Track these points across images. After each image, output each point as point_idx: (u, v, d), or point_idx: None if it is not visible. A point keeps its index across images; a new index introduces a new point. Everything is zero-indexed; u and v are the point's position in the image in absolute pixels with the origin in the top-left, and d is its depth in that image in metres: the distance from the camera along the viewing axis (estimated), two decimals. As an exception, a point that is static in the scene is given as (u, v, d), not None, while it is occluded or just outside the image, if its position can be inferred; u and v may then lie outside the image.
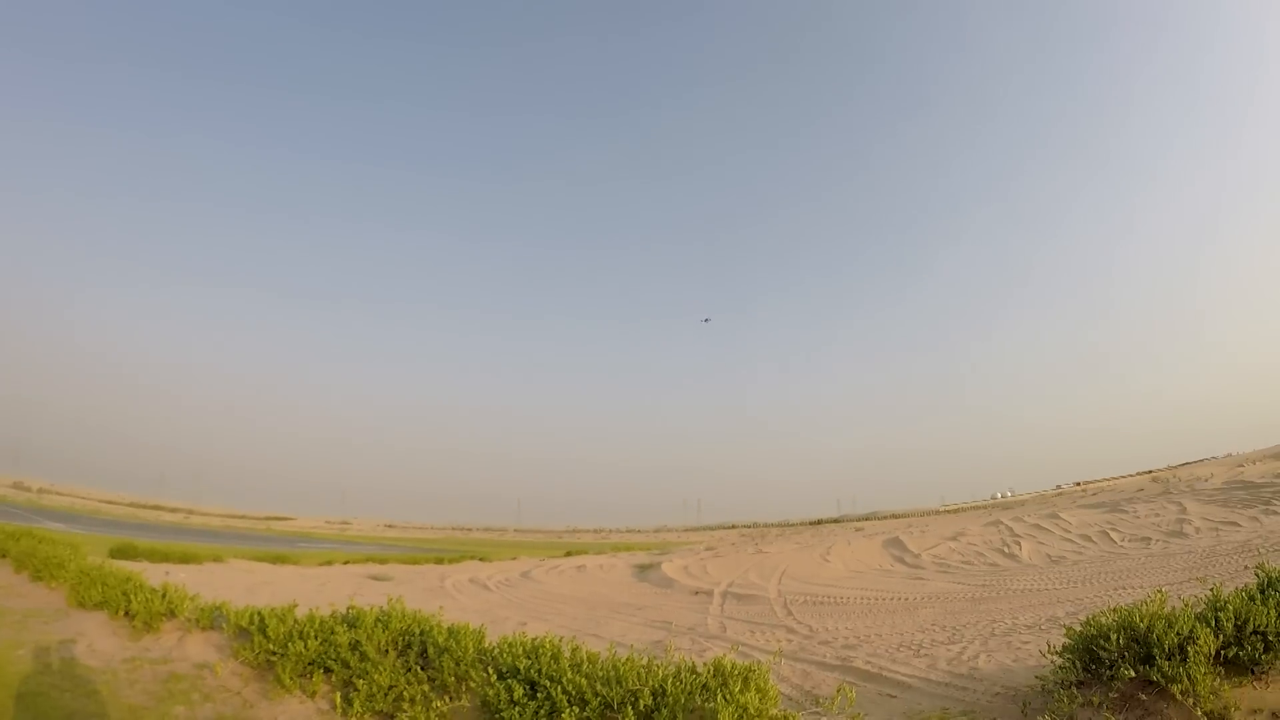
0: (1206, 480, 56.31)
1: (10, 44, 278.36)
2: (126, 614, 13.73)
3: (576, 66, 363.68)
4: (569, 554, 64.75)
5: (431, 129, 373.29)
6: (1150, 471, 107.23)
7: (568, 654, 8.75)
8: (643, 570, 41.52)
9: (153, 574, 20.16)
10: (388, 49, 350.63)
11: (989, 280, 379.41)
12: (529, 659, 8.57)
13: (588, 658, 8.57)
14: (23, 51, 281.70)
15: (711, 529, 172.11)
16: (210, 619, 13.16)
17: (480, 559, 55.43)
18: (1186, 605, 8.08)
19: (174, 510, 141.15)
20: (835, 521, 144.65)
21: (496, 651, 9.19)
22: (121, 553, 31.26)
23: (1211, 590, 8.26)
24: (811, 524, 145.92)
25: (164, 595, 13.94)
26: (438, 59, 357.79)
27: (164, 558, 32.85)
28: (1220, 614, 7.62)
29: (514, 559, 58.07)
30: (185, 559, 33.88)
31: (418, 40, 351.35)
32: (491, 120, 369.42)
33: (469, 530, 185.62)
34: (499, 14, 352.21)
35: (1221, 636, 7.44)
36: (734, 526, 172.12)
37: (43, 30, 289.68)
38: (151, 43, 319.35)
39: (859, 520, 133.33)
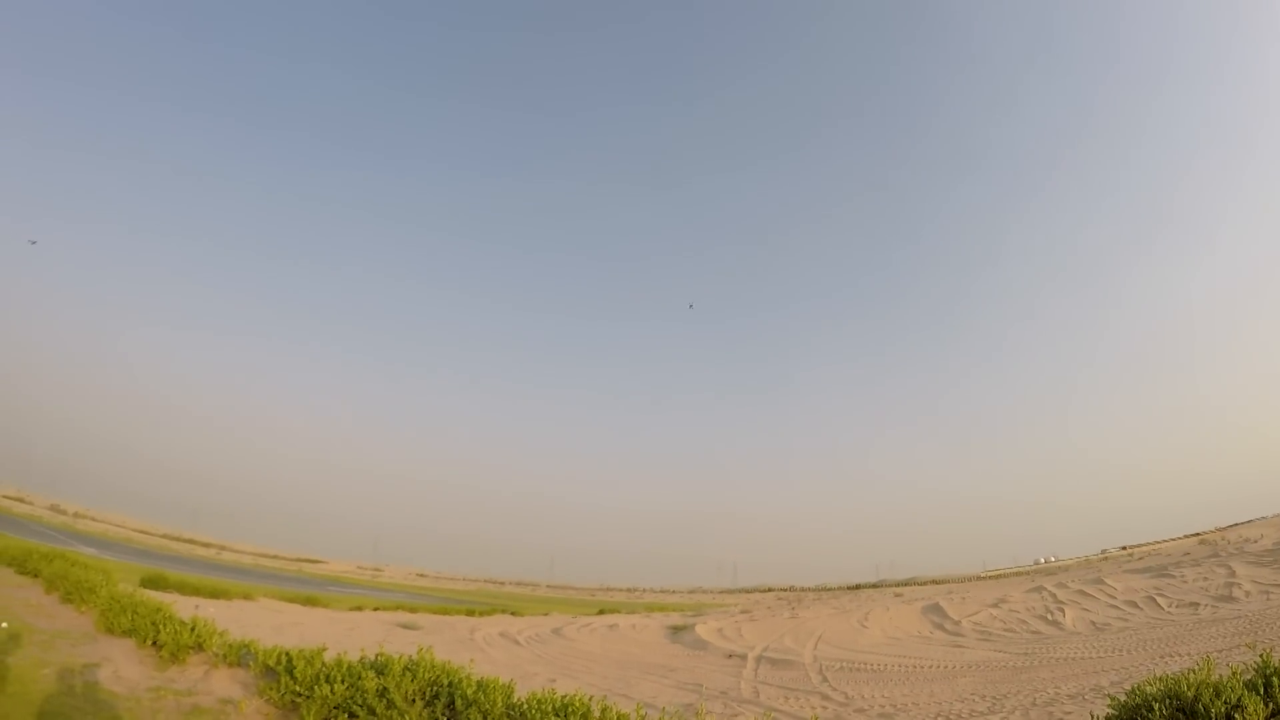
0: (1256, 541, 54.90)
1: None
2: (154, 644, 13.75)
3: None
4: (601, 612, 64.32)
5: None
6: (1198, 534, 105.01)
7: (597, 713, 8.56)
8: (676, 631, 41.04)
9: (182, 606, 20.22)
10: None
11: (1019, 337, 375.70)
12: (558, 717, 8.40)
13: (617, 717, 8.35)
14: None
15: (747, 591, 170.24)
16: (238, 656, 13.10)
17: (511, 613, 55.34)
18: (1235, 672, 7.81)
19: (206, 545, 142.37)
20: (874, 586, 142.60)
21: (525, 707, 8.99)
22: (152, 583, 31.43)
23: (1261, 656, 7.98)
24: (850, 589, 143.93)
25: (193, 628, 13.94)
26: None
27: (194, 591, 32.99)
28: (1272, 680, 7.38)
29: (545, 614, 57.86)
30: (215, 594, 33.98)
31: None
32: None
33: (501, 583, 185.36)
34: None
35: (1271, 704, 7.19)
36: (770, 590, 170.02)
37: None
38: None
39: (898, 585, 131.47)
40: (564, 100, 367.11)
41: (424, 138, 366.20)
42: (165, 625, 14.02)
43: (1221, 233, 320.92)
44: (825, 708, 17.61)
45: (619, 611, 66.15)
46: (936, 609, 42.74)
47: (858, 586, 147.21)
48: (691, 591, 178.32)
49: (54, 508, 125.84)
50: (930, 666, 23.57)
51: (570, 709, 8.57)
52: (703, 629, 39.59)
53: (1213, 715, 7.10)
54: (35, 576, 22.22)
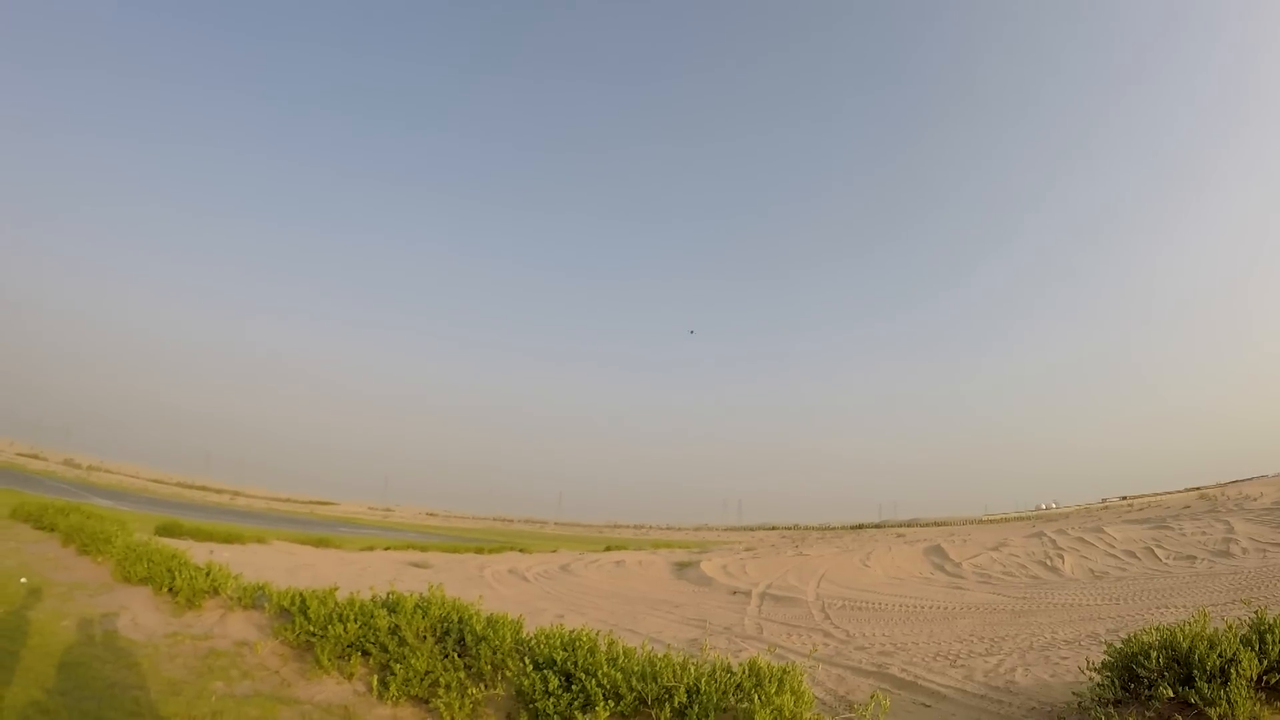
0: (1256, 499, 54.96)
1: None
2: (170, 590, 13.99)
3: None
4: (608, 549, 64.77)
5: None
6: (1198, 488, 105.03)
7: (604, 648, 8.75)
8: (681, 568, 41.35)
9: (197, 552, 20.49)
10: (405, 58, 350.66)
11: (1036, 289, 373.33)
12: (565, 651, 8.59)
13: (624, 652, 8.57)
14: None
15: (752, 529, 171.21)
16: (252, 598, 13.36)
17: (520, 550, 55.73)
18: (1230, 627, 7.92)
19: (219, 491, 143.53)
20: (877, 527, 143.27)
21: (533, 642, 9.21)
22: (167, 530, 31.85)
23: (1256, 613, 8.11)
24: (852, 528, 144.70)
25: (208, 573, 14.16)
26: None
27: (208, 537, 33.39)
28: (1266, 636, 7.49)
29: (553, 552, 58.25)
30: (229, 539, 34.42)
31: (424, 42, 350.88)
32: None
33: (510, 521, 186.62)
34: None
35: (1265, 661, 7.30)
36: (774, 528, 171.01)
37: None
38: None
39: (900, 526, 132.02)
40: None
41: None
42: (180, 571, 14.24)
43: (1211, 171, 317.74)
44: (827, 644, 17.88)
45: (626, 548, 66.60)
46: (938, 550, 43.05)
47: (861, 526, 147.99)
48: (697, 529, 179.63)
49: (68, 462, 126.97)
50: (930, 607, 23.87)
51: (577, 643, 8.78)
52: (708, 566, 39.96)
53: (1207, 667, 7.24)
54: (52, 530, 22.54)
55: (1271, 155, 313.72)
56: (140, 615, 12.89)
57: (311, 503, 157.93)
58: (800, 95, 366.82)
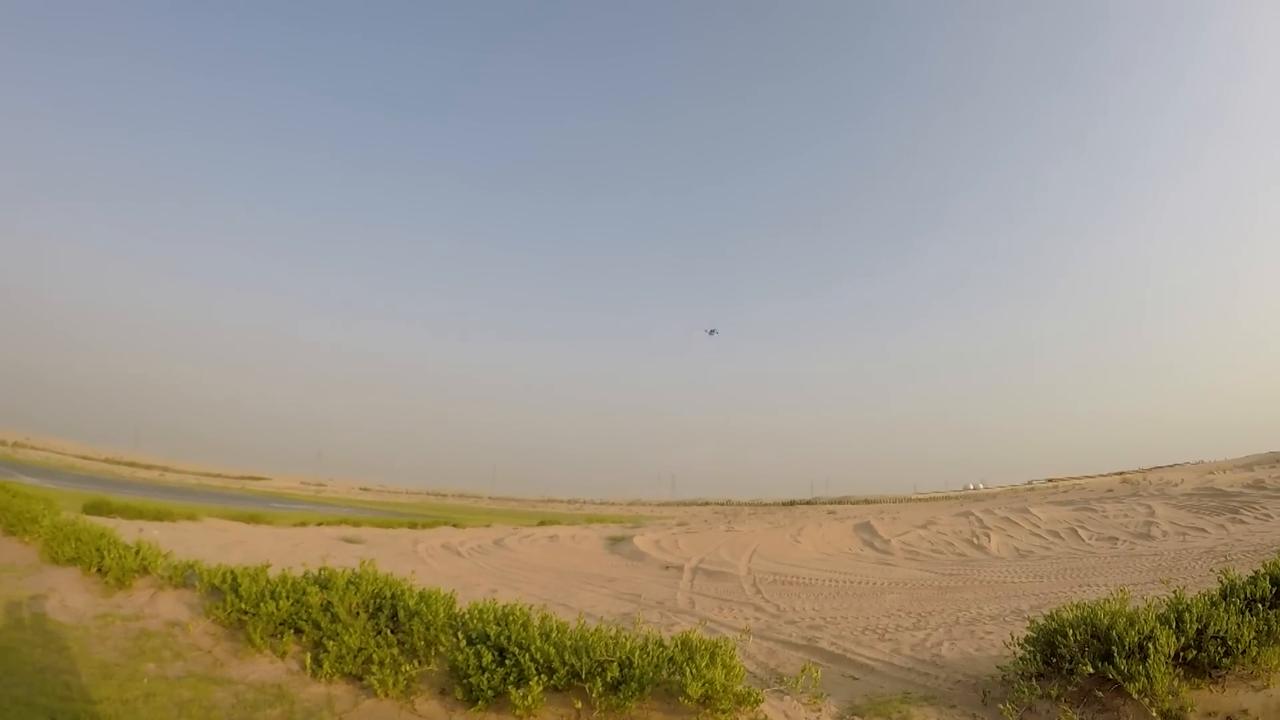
0: (1177, 485, 56.97)
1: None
2: (99, 570, 13.74)
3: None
4: (542, 523, 65.01)
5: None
6: (1121, 473, 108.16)
7: (537, 622, 8.86)
8: (614, 542, 41.69)
9: (126, 531, 20.10)
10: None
11: (970, 271, 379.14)
12: (499, 626, 8.67)
13: (557, 627, 8.67)
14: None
15: (685, 505, 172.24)
16: (183, 577, 13.19)
17: (454, 525, 55.59)
18: (1149, 606, 8.26)
19: (149, 467, 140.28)
20: (808, 503, 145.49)
21: (467, 617, 9.29)
22: (95, 509, 31.20)
23: (1175, 593, 8.44)
24: (784, 505, 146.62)
25: (137, 552, 13.94)
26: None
27: (138, 514, 32.69)
28: (1184, 615, 7.80)
29: (487, 526, 58.27)
30: (159, 516, 33.75)
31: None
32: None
33: (444, 495, 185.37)
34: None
35: (1183, 638, 7.60)
36: (707, 503, 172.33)
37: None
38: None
39: (831, 503, 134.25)
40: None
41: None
42: (109, 551, 13.97)
43: (1170, 198, 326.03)
44: (758, 618, 18.22)
45: (559, 523, 66.97)
46: (867, 527, 43.91)
47: (792, 503, 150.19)
48: (630, 504, 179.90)
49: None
50: (859, 582, 24.38)
51: (511, 618, 8.87)
52: (641, 540, 40.35)
53: (1126, 644, 7.53)
54: (-26, 511, 21.95)
55: (1197, 147, 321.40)
56: (69, 597, 12.68)
57: (243, 478, 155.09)
58: (752, 74, 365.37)
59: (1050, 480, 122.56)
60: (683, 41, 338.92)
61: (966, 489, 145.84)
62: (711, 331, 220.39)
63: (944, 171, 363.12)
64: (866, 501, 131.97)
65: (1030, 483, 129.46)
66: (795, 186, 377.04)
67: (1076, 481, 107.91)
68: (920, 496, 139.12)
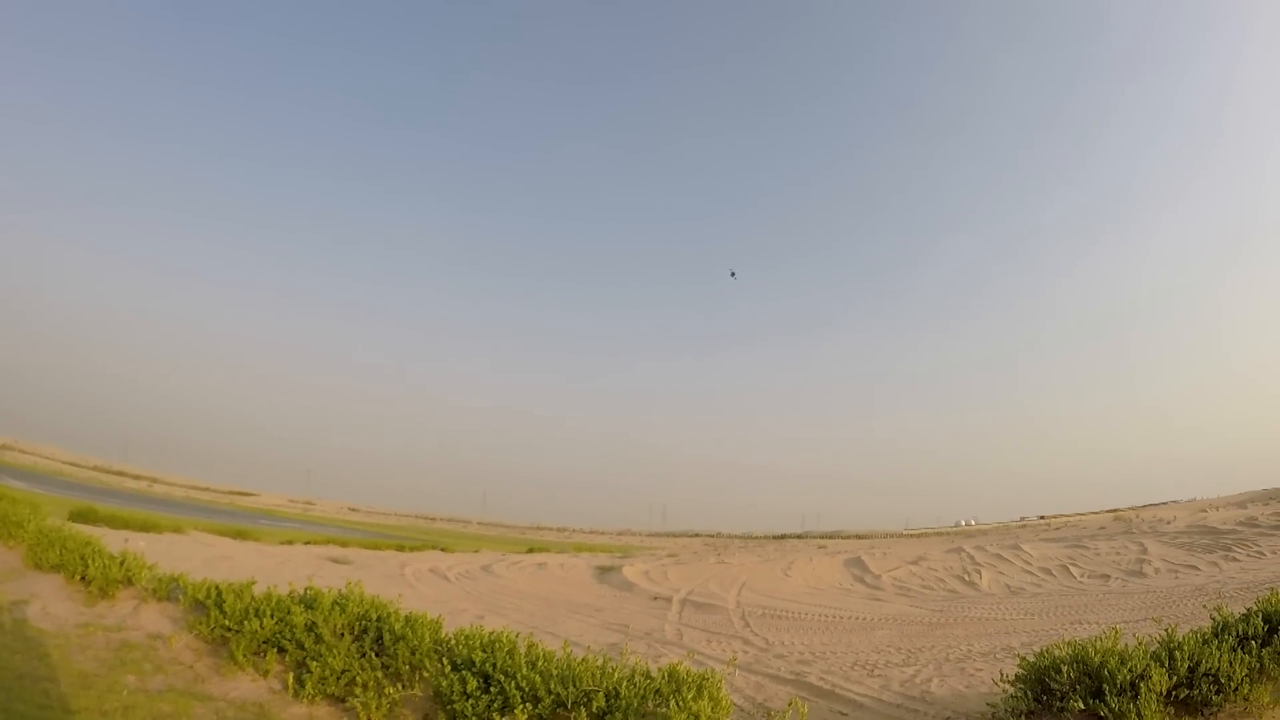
0: (1169, 523, 57.02)
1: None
2: (83, 579, 13.61)
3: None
4: (531, 550, 64.78)
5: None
6: (1114, 510, 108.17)
7: (524, 650, 8.80)
8: (603, 572, 41.57)
9: (112, 540, 19.94)
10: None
11: (962, 306, 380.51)
12: (484, 652, 8.60)
13: (543, 655, 8.61)
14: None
15: (675, 536, 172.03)
16: (167, 590, 13.08)
17: (442, 549, 55.38)
18: (1141, 643, 8.22)
19: (138, 478, 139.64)
20: (799, 537, 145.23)
21: (453, 642, 9.22)
22: (82, 516, 30.97)
23: (1167, 630, 8.40)
24: (775, 538, 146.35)
25: (122, 562, 13.83)
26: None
27: (124, 524, 32.52)
28: (1176, 653, 7.75)
29: (476, 551, 58.12)
30: (145, 527, 33.54)
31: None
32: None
33: (433, 519, 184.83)
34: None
35: (1174, 676, 7.57)
36: (697, 535, 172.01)
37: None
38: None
39: (822, 538, 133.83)
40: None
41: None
42: (94, 560, 13.86)
43: (1167, 227, 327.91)
44: (746, 651, 18.13)
45: (548, 550, 66.68)
46: (858, 562, 43.89)
47: (783, 536, 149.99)
48: (620, 533, 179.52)
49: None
50: (849, 617, 24.29)
51: (497, 645, 8.81)
52: (630, 571, 40.22)
53: (1118, 681, 7.52)
54: (-41, 514, 21.77)
55: (1188, 183, 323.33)
56: (51, 604, 12.55)
57: (232, 493, 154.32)
58: (748, 104, 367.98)
59: (1042, 517, 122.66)
60: (676, 71, 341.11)
61: (958, 525, 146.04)
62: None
63: (935, 205, 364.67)
64: (858, 536, 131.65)
65: (1022, 519, 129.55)
66: (788, 219, 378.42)
67: (1069, 519, 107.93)
68: (911, 532, 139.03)
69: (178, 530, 36.47)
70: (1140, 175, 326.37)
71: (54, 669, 9.22)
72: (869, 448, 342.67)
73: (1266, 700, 7.47)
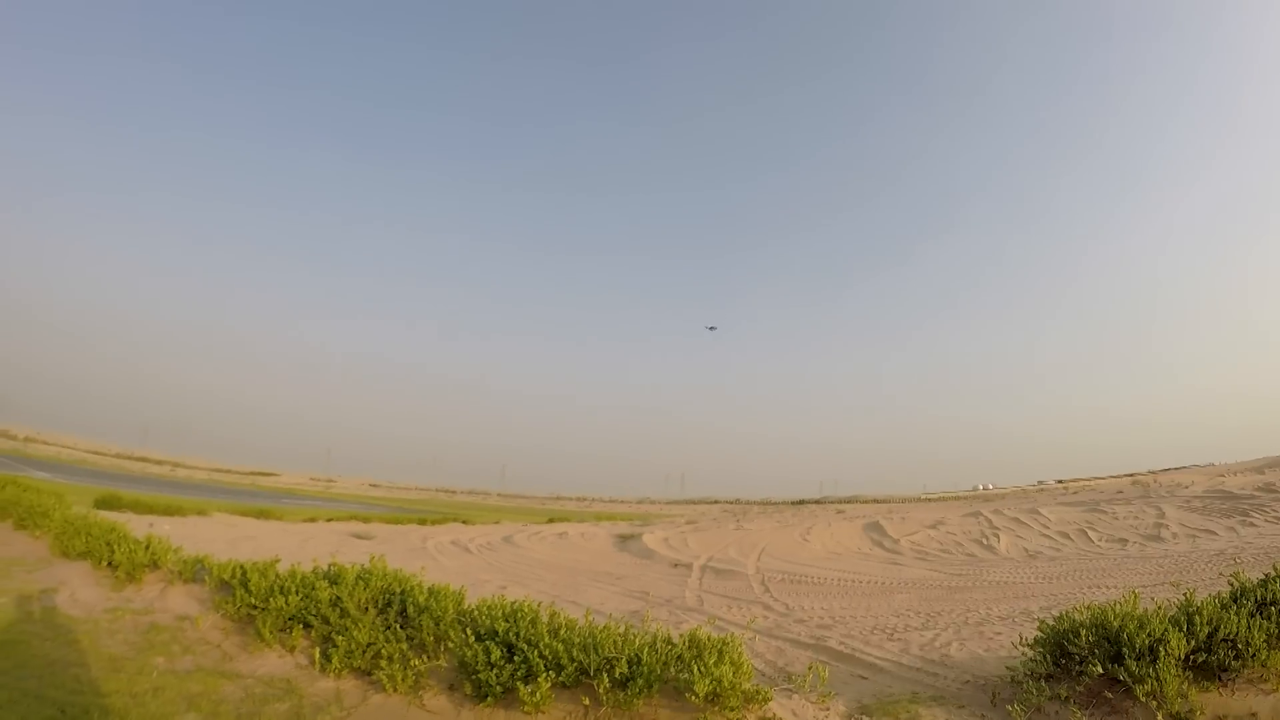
0: (1187, 487, 56.69)
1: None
2: (109, 564, 13.78)
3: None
4: (551, 520, 65.04)
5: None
6: (1132, 474, 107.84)
7: (546, 619, 8.85)
8: (623, 540, 41.59)
9: (137, 525, 20.21)
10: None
11: (980, 273, 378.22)
12: (507, 622, 8.67)
13: (565, 624, 8.67)
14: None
15: (694, 503, 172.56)
16: (193, 572, 13.23)
17: (463, 521, 55.72)
18: (1159, 608, 8.19)
19: (160, 463, 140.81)
20: (817, 503, 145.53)
21: (476, 613, 9.27)
22: (106, 504, 31.33)
23: (1185, 595, 8.37)
24: (793, 504, 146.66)
25: (147, 547, 13.99)
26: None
27: (148, 509, 32.87)
28: (1194, 618, 7.73)
29: (496, 523, 58.41)
30: (169, 511, 33.88)
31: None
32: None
33: (453, 492, 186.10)
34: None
35: (1193, 641, 7.54)
36: (716, 502, 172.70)
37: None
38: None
39: (840, 503, 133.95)
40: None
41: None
42: (120, 545, 14.01)
43: (1179, 199, 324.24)
44: (766, 617, 18.19)
45: (569, 520, 66.99)
46: (876, 527, 43.83)
47: (801, 502, 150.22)
48: (640, 502, 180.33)
49: (2, 433, 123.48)
50: (868, 582, 24.33)
51: (519, 614, 8.87)
52: (650, 539, 40.24)
53: (1136, 646, 7.48)
54: (-14, 505, 22.00)
55: (1206, 150, 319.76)
56: (79, 590, 12.73)
57: (253, 474, 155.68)
58: (758, 82, 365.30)
59: (1060, 481, 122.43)
60: (686, 45, 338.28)
61: (976, 489, 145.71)
62: (711, 328, 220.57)
63: (952, 174, 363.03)
64: (876, 501, 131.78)
65: (1040, 483, 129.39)
66: (804, 189, 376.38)
67: (1086, 483, 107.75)
68: (930, 496, 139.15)
69: (201, 513, 36.87)
70: (1162, 138, 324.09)
71: (84, 654, 9.34)
72: (886, 413, 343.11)
73: (1285, 666, 7.46)
